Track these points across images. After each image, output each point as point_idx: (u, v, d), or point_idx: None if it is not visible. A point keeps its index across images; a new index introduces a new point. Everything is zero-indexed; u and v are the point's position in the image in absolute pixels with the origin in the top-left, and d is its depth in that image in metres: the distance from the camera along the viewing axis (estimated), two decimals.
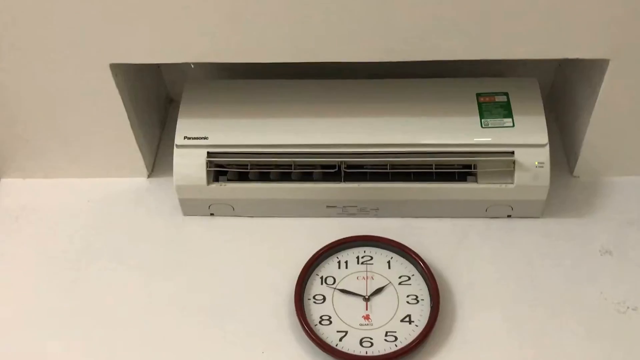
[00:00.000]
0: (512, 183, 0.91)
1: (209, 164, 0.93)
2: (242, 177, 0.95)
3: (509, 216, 0.96)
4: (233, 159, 0.93)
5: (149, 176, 1.04)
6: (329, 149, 0.92)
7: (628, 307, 0.85)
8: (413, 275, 0.89)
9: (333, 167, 0.92)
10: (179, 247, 0.96)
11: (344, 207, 0.96)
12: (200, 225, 0.98)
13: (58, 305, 0.90)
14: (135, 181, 1.03)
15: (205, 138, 0.93)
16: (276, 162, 0.93)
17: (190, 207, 0.97)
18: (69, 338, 0.86)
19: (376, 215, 0.97)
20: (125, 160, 1.00)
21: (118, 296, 0.90)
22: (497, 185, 0.91)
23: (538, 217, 0.95)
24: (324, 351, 0.82)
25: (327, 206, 0.96)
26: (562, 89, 1.05)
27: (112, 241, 0.96)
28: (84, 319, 0.88)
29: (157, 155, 1.07)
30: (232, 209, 0.97)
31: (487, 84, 0.96)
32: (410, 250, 0.90)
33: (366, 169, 0.92)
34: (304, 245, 0.93)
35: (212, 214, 0.98)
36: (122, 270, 0.93)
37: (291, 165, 0.93)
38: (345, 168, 0.92)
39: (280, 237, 0.96)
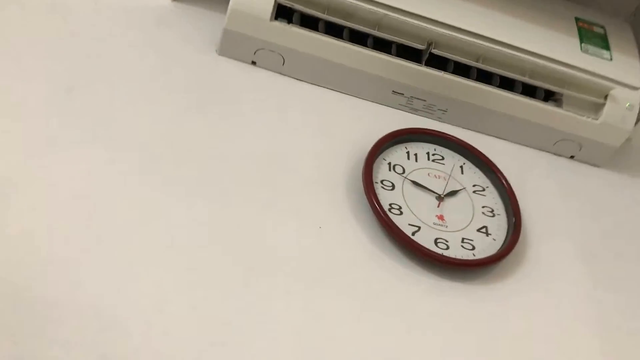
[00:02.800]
0: (596, 119, 0.83)
1: None
2: (309, 25, 0.77)
3: (572, 157, 0.87)
4: None
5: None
6: (419, 22, 0.77)
7: None
8: (487, 187, 0.76)
9: (421, 44, 0.78)
10: (214, 92, 0.75)
11: (411, 96, 0.81)
12: (239, 71, 0.78)
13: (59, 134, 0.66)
14: (155, 1, 0.81)
15: None
16: (358, 16, 0.77)
17: (233, 45, 0.77)
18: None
19: (440, 118, 0.83)
20: None
21: (137, 142, 0.68)
22: (581, 117, 0.83)
23: (599, 166, 0.88)
24: (398, 240, 0.67)
25: (393, 91, 0.81)
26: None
27: (127, 69, 0.73)
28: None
29: None
30: (281, 62, 0.79)
31: (583, 12, 0.88)
32: (489, 160, 0.78)
33: (454, 55, 0.79)
34: (363, 127, 0.78)
35: (253, 62, 0.79)
36: (142, 107, 0.71)
37: (375, 27, 0.77)
38: (433, 48, 0.78)
39: (334, 111, 0.79)
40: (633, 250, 0.80)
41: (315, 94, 0.80)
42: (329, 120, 0.78)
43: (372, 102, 0.82)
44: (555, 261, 0.75)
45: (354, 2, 0.76)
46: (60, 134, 0.65)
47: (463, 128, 0.84)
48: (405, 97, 0.81)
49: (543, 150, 0.87)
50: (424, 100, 0.82)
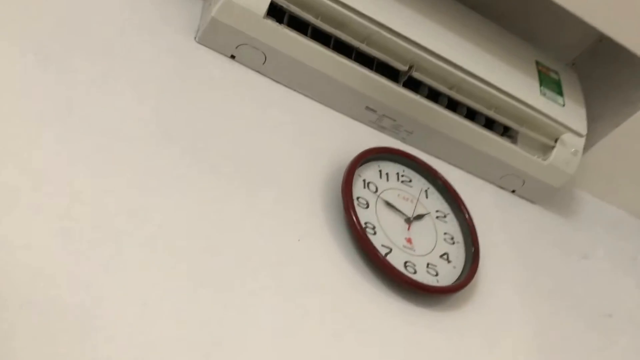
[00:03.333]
0: (545, 160, 0.88)
1: None
2: (297, 28, 0.75)
3: (513, 191, 0.92)
4: (310, 2, 0.73)
5: None
6: (405, 43, 0.78)
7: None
8: (448, 214, 0.78)
9: (403, 65, 0.79)
10: (189, 83, 0.71)
11: (382, 115, 0.82)
12: (218, 64, 0.74)
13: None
14: None
15: None
16: (349, 28, 0.76)
17: (216, 35, 0.73)
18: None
19: (404, 139, 0.84)
20: None
21: (106, 129, 0.63)
22: (532, 156, 0.87)
23: (534, 203, 0.94)
24: (373, 261, 0.67)
25: (367, 107, 0.81)
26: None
27: (100, 44, 0.67)
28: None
29: None
30: (262, 61, 0.76)
31: (542, 56, 0.92)
32: (452, 188, 0.80)
33: (432, 80, 0.80)
34: (335, 140, 0.78)
35: (232, 56, 0.76)
36: (110, 88, 0.66)
37: (364, 41, 0.77)
38: (414, 71, 0.79)
39: (307, 120, 0.77)
40: (558, 284, 0.86)
41: (291, 99, 0.78)
42: (302, 129, 0.77)
43: (344, 114, 0.81)
44: (501, 290, 0.78)
45: (348, 13, 0.74)
46: (29, 109, 0.59)
47: (423, 151, 0.86)
48: (377, 114, 0.81)
49: (489, 182, 0.90)
50: (394, 120, 0.82)
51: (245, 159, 0.69)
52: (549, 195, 0.93)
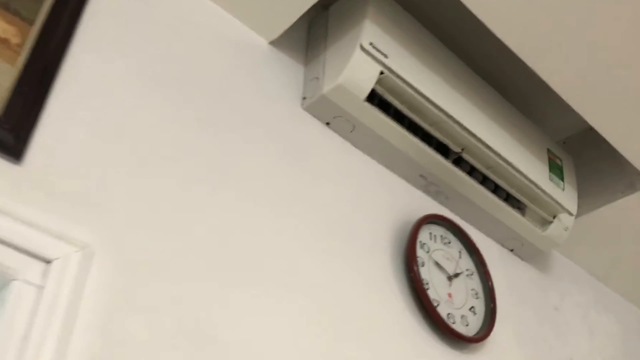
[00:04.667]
0: (543, 231, 1.09)
1: (381, 82, 0.87)
2: (385, 108, 0.91)
3: (511, 250, 1.12)
4: (399, 91, 0.89)
5: (271, 42, 0.89)
6: (461, 130, 0.95)
7: None
8: (474, 272, 0.97)
9: (457, 146, 0.96)
10: (293, 145, 0.85)
11: (430, 182, 0.99)
12: (316, 130, 0.89)
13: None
14: (254, 39, 0.87)
15: (386, 56, 0.87)
16: (423, 112, 0.92)
17: (320, 107, 0.88)
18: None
19: (442, 202, 1.02)
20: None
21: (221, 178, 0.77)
22: (534, 227, 1.08)
23: (525, 261, 1.14)
24: (429, 311, 0.85)
25: (420, 175, 0.98)
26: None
27: (223, 106, 0.81)
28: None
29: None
30: (351, 130, 0.91)
31: (551, 144, 1.12)
32: (479, 250, 0.98)
33: (476, 161, 0.98)
34: (396, 200, 0.94)
35: (327, 123, 0.90)
36: (235, 148, 0.79)
37: (432, 125, 0.93)
38: (464, 153, 0.97)
39: (378, 183, 0.94)
40: (539, 333, 1.08)
41: (368, 164, 0.94)
42: (373, 189, 0.93)
43: (402, 178, 0.98)
44: (503, 337, 0.98)
45: (426, 103, 0.91)
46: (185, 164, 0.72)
47: (454, 212, 1.04)
48: (427, 181, 0.99)
49: (496, 241, 1.10)
50: (437, 186, 1.00)
51: (334, 217, 0.85)
52: (537, 256, 1.14)
